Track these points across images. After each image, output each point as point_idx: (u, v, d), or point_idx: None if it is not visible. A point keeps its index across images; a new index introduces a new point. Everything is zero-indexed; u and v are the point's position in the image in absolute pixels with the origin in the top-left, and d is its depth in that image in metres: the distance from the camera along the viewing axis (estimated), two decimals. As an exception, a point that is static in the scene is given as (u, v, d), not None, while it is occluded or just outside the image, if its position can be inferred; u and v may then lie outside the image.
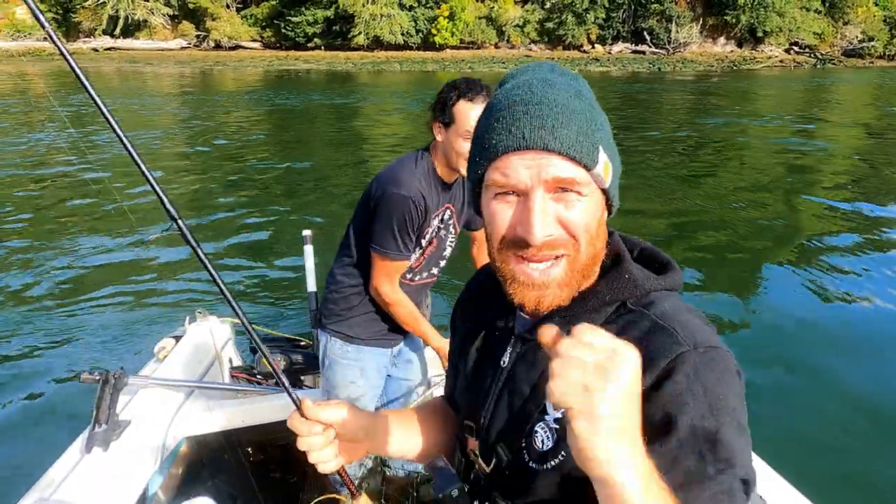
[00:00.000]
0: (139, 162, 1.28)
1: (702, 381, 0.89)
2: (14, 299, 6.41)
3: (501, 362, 1.14)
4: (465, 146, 2.38)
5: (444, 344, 2.85)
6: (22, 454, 4.00)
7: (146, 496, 2.57)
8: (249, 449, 3.17)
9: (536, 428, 1.03)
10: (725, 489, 0.85)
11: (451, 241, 2.81)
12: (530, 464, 1.03)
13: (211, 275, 1.31)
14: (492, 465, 1.13)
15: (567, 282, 0.98)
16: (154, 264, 7.32)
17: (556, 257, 0.97)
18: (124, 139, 1.27)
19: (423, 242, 2.65)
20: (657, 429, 0.87)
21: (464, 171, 2.46)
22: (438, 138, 2.48)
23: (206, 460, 2.98)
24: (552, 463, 0.99)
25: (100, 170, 12.07)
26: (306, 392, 3.19)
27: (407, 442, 1.35)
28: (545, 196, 0.94)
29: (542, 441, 1.02)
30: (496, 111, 0.98)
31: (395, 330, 2.83)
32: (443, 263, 2.85)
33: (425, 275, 2.80)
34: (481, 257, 3.09)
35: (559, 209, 0.95)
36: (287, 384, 1.28)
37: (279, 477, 3.22)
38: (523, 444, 1.04)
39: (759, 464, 2.24)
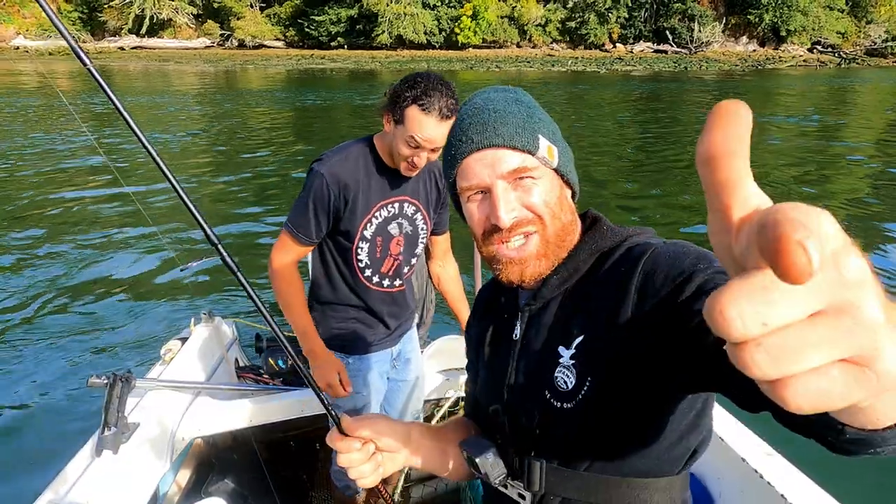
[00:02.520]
0: (183, 195, 1.32)
1: (682, 251, 1.02)
2: (22, 304, 6.44)
3: (514, 336, 1.24)
4: (404, 151, 2.31)
5: (335, 360, 2.61)
6: (32, 458, 4.02)
7: (157, 497, 2.61)
8: (258, 448, 3.19)
9: (556, 373, 1.12)
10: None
11: (423, 239, 2.71)
12: (563, 406, 1.10)
13: (249, 295, 1.36)
14: (522, 432, 1.18)
15: (543, 253, 1.13)
16: (160, 267, 7.32)
17: (528, 234, 1.11)
18: (170, 176, 1.30)
19: (367, 235, 2.51)
20: (671, 295, 0.96)
21: (402, 171, 2.41)
22: (387, 128, 2.38)
23: (216, 460, 3.02)
24: (580, 395, 1.07)
25: (118, 170, 12.10)
26: (312, 392, 3.20)
27: (439, 457, 1.37)
28: (506, 186, 1.10)
29: (565, 381, 1.10)
30: (454, 129, 1.16)
31: (391, 332, 2.79)
32: (414, 261, 2.74)
33: (402, 277, 2.72)
34: (434, 270, 3.04)
35: (520, 195, 1.10)
36: (327, 402, 1.28)
37: (289, 475, 3.24)
38: (547, 395, 1.12)
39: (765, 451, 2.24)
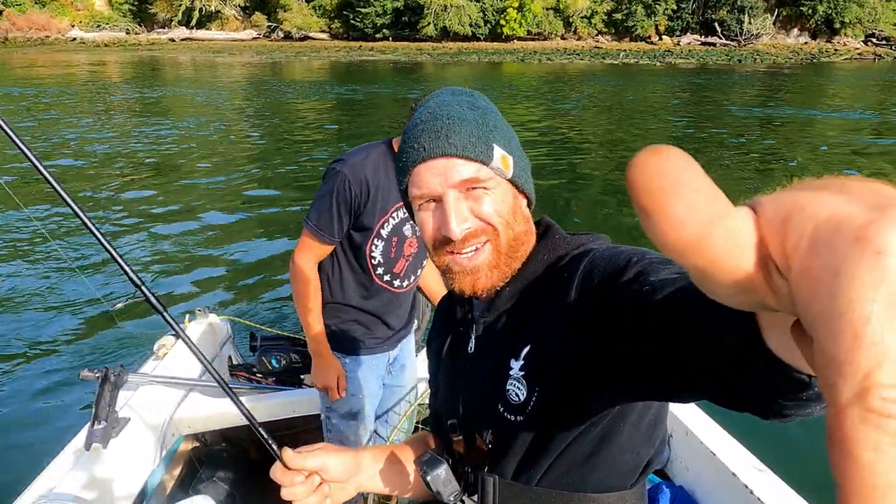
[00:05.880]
0: (99, 236, 1.33)
1: (619, 251, 0.99)
2: (14, 297, 6.47)
3: (468, 350, 1.23)
4: None
5: (336, 365, 2.68)
6: (21, 451, 4.05)
7: (145, 493, 2.64)
8: (247, 447, 3.21)
9: (507, 387, 1.10)
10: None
11: None
12: (516, 419, 1.08)
13: (176, 332, 1.36)
14: (475, 448, 1.18)
15: (495, 263, 1.11)
16: (153, 262, 7.37)
17: (479, 246, 1.09)
18: (89, 223, 1.31)
19: (384, 234, 2.53)
20: (602, 290, 0.93)
21: None
22: None
23: (205, 458, 3.05)
24: (531, 405, 1.06)
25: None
26: (305, 392, 3.20)
27: (396, 477, 1.37)
28: (457, 196, 1.07)
29: (517, 394, 1.08)
30: (405, 134, 1.14)
31: (389, 335, 2.80)
32: (424, 263, 2.79)
33: (412, 278, 2.75)
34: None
35: (471, 205, 1.08)
36: (267, 436, 1.26)
37: None
38: (500, 409, 1.11)
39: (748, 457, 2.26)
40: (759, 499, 2.04)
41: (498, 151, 1.08)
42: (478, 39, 60.68)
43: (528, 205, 1.20)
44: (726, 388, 0.66)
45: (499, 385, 1.11)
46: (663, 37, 60.18)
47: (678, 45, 58.57)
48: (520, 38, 60.05)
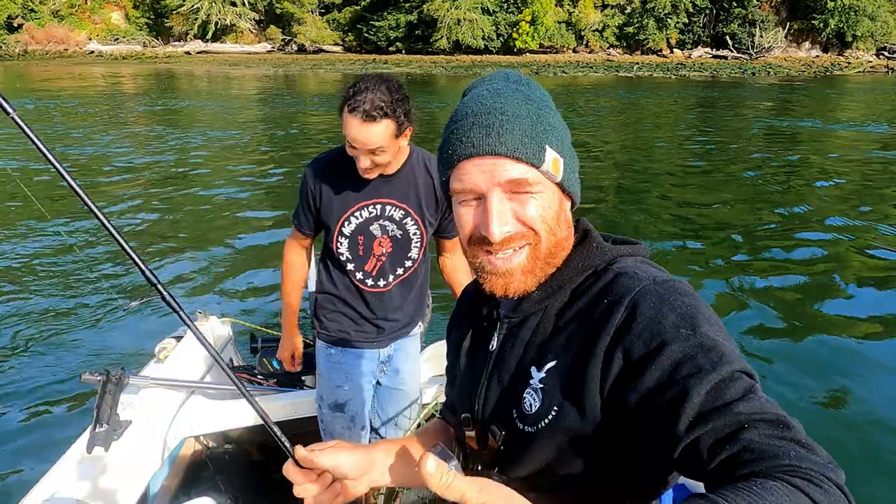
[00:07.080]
0: (116, 235, 1.26)
1: (669, 303, 0.97)
2: (15, 300, 6.48)
3: (490, 347, 1.21)
4: (350, 151, 2.43)
5: (294, 341, 2.99)
6: (23, 455, 4.04)
7: (148, 496, 2.65)
8: (250, 449, 3.20)
9: (524, 394, 1.08)
10: (726, 377, 0.87)
11: (417, 243, 2.72)
12: (525, 429, 1.07)
13: (196, 336, 1.32)
14: (488, 446, 1.17)
15: (530, 269, 1.07)
16: (154, 266, 7.30)
17: (519, 248, 1.06)
18: (100, 215, 1.29)
19: (346, 232, 2.61)
20: (642, 359, 0.93)
21: (361, 174, 2.47)
22: None
23: (208, 460, 3.06)
24: (544, 422, 1.04)
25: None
26: (306, 393, 3.22)
27: (408, 471, 1.33)
28: (501, 197, 1.03)
29: (531, 404, 1.07)
30: (453, 123, 1.08)
31: (378, 333, 2.81)
32: (409, 264, 2.76)
33: (391, 278, 2.75)
34: (444, 262, 2.99)
35: (515, 207, 1.04)
36: (279, 433, 1.23)
37: (280, 477, 3.23)
38: (514, 414, 1.09)
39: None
40: None
41: (550, 154, 1.04)
42: (490, 53, 60.67)
43: (572, 206, 1.16)
44: None
45: (517, 390, 1.10)
46: (675, 50, 60.05)
47: (689, 58, 58.41)
48: (532, 52, 60.02)
